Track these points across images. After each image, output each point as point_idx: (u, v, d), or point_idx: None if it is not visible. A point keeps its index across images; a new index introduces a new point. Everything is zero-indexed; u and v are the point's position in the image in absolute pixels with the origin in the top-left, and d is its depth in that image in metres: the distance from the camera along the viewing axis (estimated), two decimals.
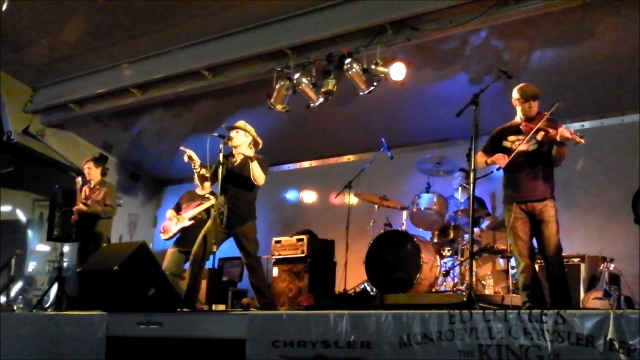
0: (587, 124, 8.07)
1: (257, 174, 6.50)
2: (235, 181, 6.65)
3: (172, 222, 8.02)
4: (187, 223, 7.92)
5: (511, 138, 5.59)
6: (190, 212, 7.97)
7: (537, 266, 5.63)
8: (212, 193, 8.04)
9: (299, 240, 8.38)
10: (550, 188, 5.53)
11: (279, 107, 7.93)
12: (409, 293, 7.07)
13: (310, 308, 7.10)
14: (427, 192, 7.76)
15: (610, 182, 7.78)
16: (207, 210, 7.93)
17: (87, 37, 9.11)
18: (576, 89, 7.49)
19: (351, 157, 10.32)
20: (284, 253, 8.38)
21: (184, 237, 7.95)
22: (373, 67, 7.25)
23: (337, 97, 7.74)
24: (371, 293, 7.70)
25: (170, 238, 8.06)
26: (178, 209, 8.17)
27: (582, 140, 5.25)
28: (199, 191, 8.17)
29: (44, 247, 11.91)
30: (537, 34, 7.36)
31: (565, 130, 5.28)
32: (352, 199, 8.34)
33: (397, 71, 7.28)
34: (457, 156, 7.36)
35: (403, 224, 7.94)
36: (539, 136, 5.42)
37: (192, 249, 7.68)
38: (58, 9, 8.53)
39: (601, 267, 6.79)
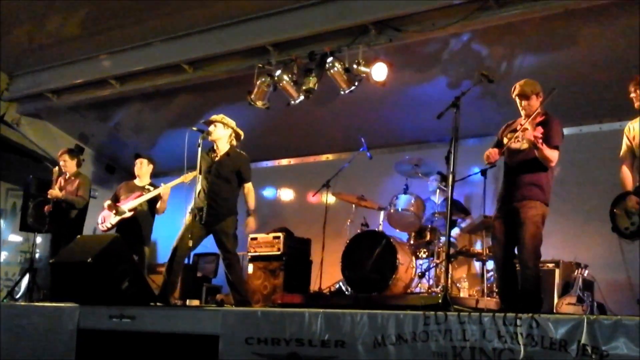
0: (565, 131, 8.08)
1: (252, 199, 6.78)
2: (215, 177, 6.61)
3: (111, 214, 7.84)
4: (127, 214, 7.76)
5: (509, 135, 5.57)
6: (130, 203, 7.80)
7: None
8: (151, 184, 8.02)
9: (275, 237, 8.36)
10: (535, 189, 5.41)
11: (259, 103, 7.91)
12: (384, 293, 7.08)
13: (284, 306, 7.08)
14: (405, 193, 7.77)
15: (586, 189, 7.82)
16: (150, 201, 7.86)
17: (66, 27, 9.00)
18: (556, 95, 7.54)
19: (330, 156, 10.31)
20: (260, 250, 8.36)
21: (123, 229, 7.77)
22: (355, 66, 7.25)
23: (317, 96, 7.73)
24: (346, 293, 7.70)
25: (109, 229, 7.89)
26: (116, 200, 7.98)
27: (541, 148, 5.22)
28: (137, 182, 8.11)
29: (16, 238, 11.79)
30: (519, 39, 7.39)
31: (531, 132, 5.23)
32: (329, 198, 8.34)
33: (379, 71, 7.29)
34: (436, 159, 7.39)
35: (380, 224, 7.95)
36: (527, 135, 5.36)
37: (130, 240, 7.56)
38: None
39: (575, 273, 6.83)
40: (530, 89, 5.54)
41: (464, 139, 5.87)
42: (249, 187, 6.79)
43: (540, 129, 5.26)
